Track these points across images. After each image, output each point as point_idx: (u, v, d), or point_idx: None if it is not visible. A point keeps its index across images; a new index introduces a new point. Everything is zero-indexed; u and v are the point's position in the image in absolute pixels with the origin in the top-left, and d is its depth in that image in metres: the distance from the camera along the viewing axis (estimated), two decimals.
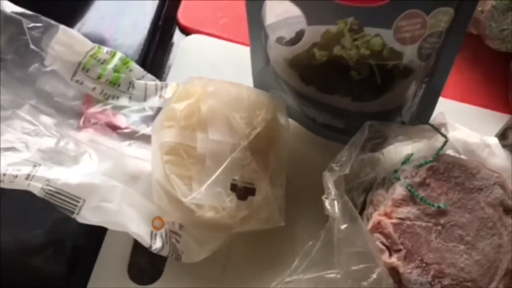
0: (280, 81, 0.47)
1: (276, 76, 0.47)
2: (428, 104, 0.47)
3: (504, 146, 0.52)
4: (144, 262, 0.49)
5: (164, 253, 0.45)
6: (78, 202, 0.42)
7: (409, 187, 0.42)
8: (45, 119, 0.47)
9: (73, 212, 0.42)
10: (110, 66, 0.51)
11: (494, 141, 0.49)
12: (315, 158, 0.52)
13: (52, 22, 0.48)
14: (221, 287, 0.47)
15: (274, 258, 0.49)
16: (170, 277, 0.48)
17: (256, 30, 0.45)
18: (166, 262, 0.48)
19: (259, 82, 0.50)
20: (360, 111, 0.46)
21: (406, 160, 0.45)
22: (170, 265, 0.48)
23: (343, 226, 0.39)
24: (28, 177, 0.41)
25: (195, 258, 0.45)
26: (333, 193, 0.41)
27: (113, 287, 0.47)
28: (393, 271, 0.41)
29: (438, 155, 0.44)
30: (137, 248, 0.48)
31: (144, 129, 0.50)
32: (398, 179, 0.43)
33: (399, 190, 0.42)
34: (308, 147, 0.54)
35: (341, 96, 0.45)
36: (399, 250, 0.41)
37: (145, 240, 0.44)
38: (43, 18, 0.48)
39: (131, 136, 0.50)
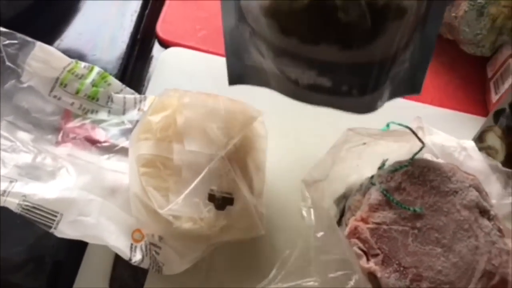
0: (256, 39, 0.42)
1: (250, 35, 0.42)
2: (422, 59, 0.44)
3: (481, 148, 0.52)
4: (126, 276, 0.49)
5: (144, 265, 0.45)
6: (56, 216, 0.42)
7: (385, 192, 0.42)
8: (22, 135, 0.47)
9: (50, 227, 0.42)
10: (88, 80, 0.51)
11: (470, 144, 0.50)
12: (295, 166, 0.53)
13: (28, 38, 0.48)
14: None
15: (256, 268, 0.49)
16: None
17: None
18: (148, 274, 0.48)
19: (231, 45, 0.45)
20: (349, 63, 0.41)
21: (382, 165, 0.45)
22: (152, 278, 0.48)
23: (320, 234, 0.39)
24: (4, 193, 0.41)
25: (176, 269, 0.45)
26: (309, 200, 0.41)
27: None
28: (371, 276, 0.41)
29: (413, 160, 0.44)
30: (119, 261, 0.48)
31: (123, 143, 0.50)
32: (374, 184, 0.43)
33: (375, 195, 0.43)
34: (287, 155, 0.54)
35: (327, 45, 0.40)
36: (376, 255, 0.41)
37: (124, 253, 0.44)
38: (19, 35, 0.48)
39: (110, 149, 0.50)
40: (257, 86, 0.46)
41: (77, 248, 0.48)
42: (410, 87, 0.44)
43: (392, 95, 0.45)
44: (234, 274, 0.48)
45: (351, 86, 0.41)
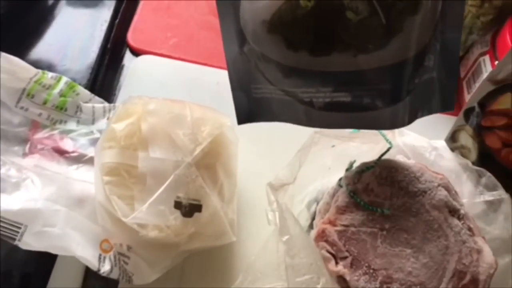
0: (261, 64, 0.39)
1: (256, 60, 0.39)
2: (448, 68, 0.40)
3: (454, 148, 0.52)
4: (97, 287, 0.48)
5: (113, 276, 0.44)
6: (20, 228, 0.42)
7: (352, 194, 0.42)
8: None
9: (14, 239, 0.41)
10: (56, 91, 0.51)
11: (441, 144, 0.50)
12: (267, 171, 0.52)
13: None
14: None
15: (229, 274, 0.48)
16: None
17: (225, 6, 0.38)
18: (119, 285, 0.47)
19: (236, 76, 0.41)
20: (367, 69, 0.37)
21: (349, 166, 0.45)
22: None
23: (285, 238, 0.39)
24: None
25: (147, 279, 0.45)
26: (275, 204, 0.40)
27: None
28: (341, 279, 0.40)
29: (380, 160, 0.43)
30: (90, 273, 0.47)
31: (92, 152, 0.50)
32: (341, 186, 0.43)
33: (342, 197, 0.42)
34: (260, 160, 0.54)
35: (340, 52, 0.36)
36: (345, 258, 0.41)
37: (92, 263, 0.44)
38: None
39: (79, 159, 0.49)
40: (268, 121, 0.42)
41: (46, 260, 0.47)
42: (441, 103, 0.41)
43: (422, 111, 0.41)
44: (207, 282, 0.48)
45: (374, 96, 0.37)
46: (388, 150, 0.44)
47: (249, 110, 0.41)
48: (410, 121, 0.40)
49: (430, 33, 0.37)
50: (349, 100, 0.38)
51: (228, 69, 0.40)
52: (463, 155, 0.51)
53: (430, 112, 0.41)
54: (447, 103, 0.40)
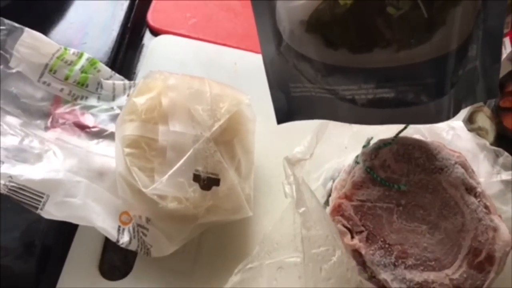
0: (300, 63, 0.38)
1: (294, 60, 0.38)
2: (491, 56, 0.39)
3: (471, 130, 0.52)
4: (115, 259, 0.49)
5: (132, 247, 0.45)
6: (42, 197, 0.43)
7: (368, 170, 0.42)
8: (10, 119, 0.47)
9: (37, 208, 0.42)
10: (77, 67, 0.52)
11: (459, 124, 0.50)
12: (284, 149, 0.53)
13: (16, 24, 0.49)
14: (192, 280, 0.47)
15: (245, 249, 0.49)
16: (140, 271, 0.48)
17: (261, 7, 0.37)
18: (137, 257, 0.48)
19: (274, 76, 0.40)
20: (410, 64, 0.36)
21: (367, 143, 0.45)
22: (141, 260, 0.48)
23: (301, 210, 0.39)
24: None
25: (164, 251, 0.45)
26: (292, 177, 0.41)
27: (83, 284, 0.47)
28: (356, 253, 0.41)
29: (397, 137, 0.44)
30: (109, 244, 0.48)
31: (113, 128, 0.51)
32: (358, 163, 0.43)
33: (358, 173, 0.42)
34: (277, 138, 0.54)
35: (381, 48, 0.36)
36: (361, 232, 0.41)
37: (111, 234, 0.45)
38: (6, 21, 0.48)
39: (99, 134, 0.50)
40: (308, 119, 0.42)
41: (67, 232, 0.48)
42: (485, 90, 0.40)
43: (467, 101, 0.40)
44: (223, 256, 0.48)
45: (418, 91, 0.37)
46: (405, 127, 0.44)
47: (288, 109, 0.41)
48: (455, 112, 0.39)
49: (472, 23, 0.36)
50: (393, 96, 0.37)
51: (266, 69, 0.40)
52: (481, 137, 0.51)
53: (474, 101, 0.40)
54: (491, 90, 0.39)
